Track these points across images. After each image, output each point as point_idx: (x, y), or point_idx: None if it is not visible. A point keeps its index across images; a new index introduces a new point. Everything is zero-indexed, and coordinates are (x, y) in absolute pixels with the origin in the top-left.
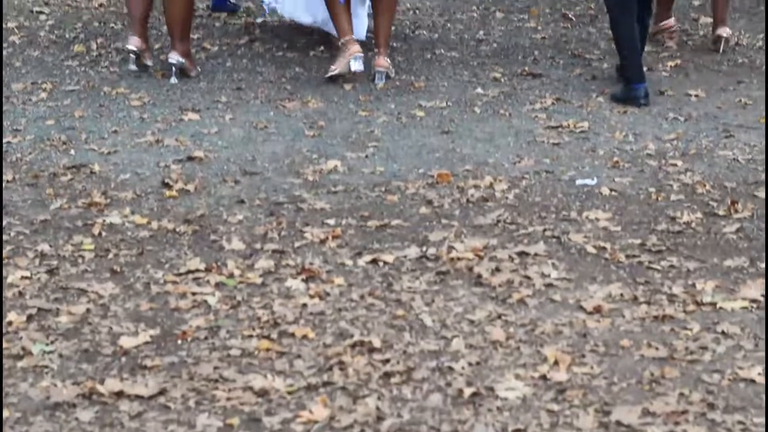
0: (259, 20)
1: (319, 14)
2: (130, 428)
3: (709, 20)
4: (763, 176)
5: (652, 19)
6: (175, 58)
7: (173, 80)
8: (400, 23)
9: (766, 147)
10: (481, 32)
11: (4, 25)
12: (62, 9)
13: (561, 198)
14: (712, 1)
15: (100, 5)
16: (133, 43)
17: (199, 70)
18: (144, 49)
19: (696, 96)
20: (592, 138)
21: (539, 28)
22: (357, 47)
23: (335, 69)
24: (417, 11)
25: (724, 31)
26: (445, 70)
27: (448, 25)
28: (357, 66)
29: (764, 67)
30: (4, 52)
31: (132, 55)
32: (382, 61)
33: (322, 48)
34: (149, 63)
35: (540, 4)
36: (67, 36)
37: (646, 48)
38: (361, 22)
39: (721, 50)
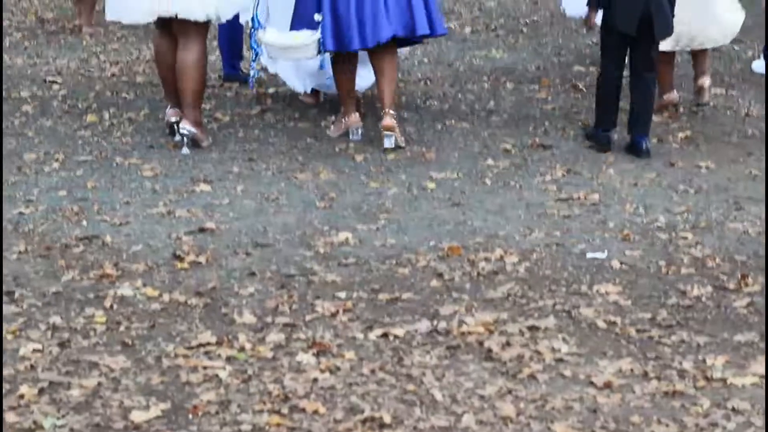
0: (251, 89)
1: (308, 82)
2: None
3: (720, 90)
4: None
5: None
6: (186, 128)
7: (185, 150)
8: (411, 93)
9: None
10: (492, 103)
11: (17, 95)
12: (75, 78)
13: (571, 271)
14: (692, 55)
15: (113, 75)
16: (175, 115)
17: (211, 140)
18: (182, 117)
19: (706, 168)
20: (602, 210)
21: (549, 98)
22: (356, 118)
23: (334, 133)
24: (428, 81)
25: (705, 82)
26: (456, 141)
27: (459, 95)
28: (355, 138)
29: None
30: (17, 122)
31: (175, 126)
32: (389, 122)
33: (333, 118)
34: (186, 131)
35: (550, 74)
36: (79, 106)
37: (656, 119)
38: (363, 78)
39: (704, 100)
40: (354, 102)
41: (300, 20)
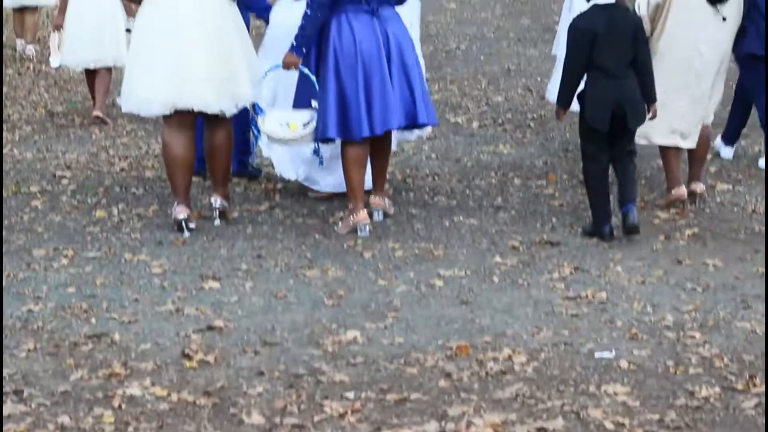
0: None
1: (301, 170)
2: None
3: (726, 186)
4: None
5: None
6: (218, 201)
7: (216, 222)
8: (419, 189)
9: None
10: (500, 198)
11: (27, 190)
12: (84, 173)
13: (580, 371)
14: (688, 156)
15: (122, 170)
16: (183, 212)
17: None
18: (190, 215)
19: (714, 266)
20: (610, 309)
21: (557, 194)
22: (364, 215)
23: (342, 230)
24: (436, 177)
25: (698, 187)
26: (464, 237)
27: (467, 191)
28: (363, 234)
29: None
30: (26, 217)
31: (183, 223)
32: (378, 201)
33: (341, 215)
34: (193, 226)
35: (557, 170)
36: (89, 201)
37: (663, 216)
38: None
39: (696, 204)
40: (363, 197)
41: (300, 100)
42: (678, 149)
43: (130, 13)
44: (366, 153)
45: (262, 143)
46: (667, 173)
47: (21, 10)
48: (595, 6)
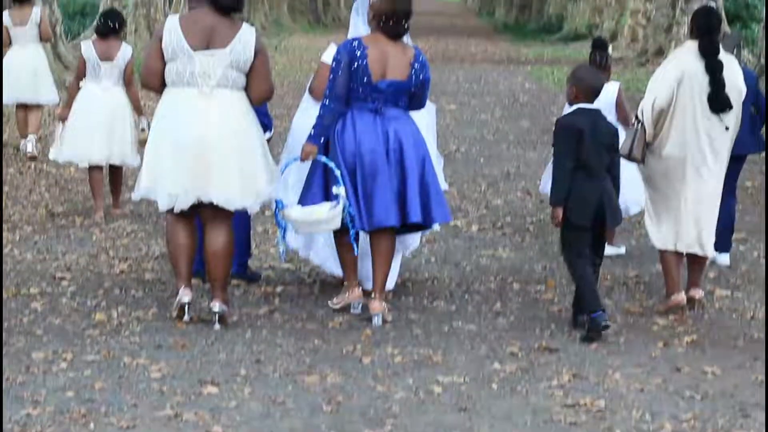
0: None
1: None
2: None
3: (725, 292)
4: None
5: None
6: (218, 306)
7: (216, 327)
8: (418, 294)
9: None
10: (499, 304)
11: (27, 291)
12: (84, 275)
13: None
14: (687, 262)
15: (122, 272)
16: (187, 295)
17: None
18: (194, 298)
19: (712, 373)
20: (608, 417)
21: (556, 299)
22: (358, 293)
23: (337, 304)
24: (435, 281)
25: (697, 293)
26: (462, 343)
27: (466, 296)
28: (356, 311)
29: None
30: (26, 319)
31: (186, 308)
32: (376, 305)
33: (341, 320)
34: (193, 315)
35: (556, 274)
36: (88, 303)
37: (662, 322)
38: (365, 266)
39: (695, 310)
40: (356, 277)
41: (313, 195)
42: (678, 254)
43: (138, 111)
44: (356, 234)
45: (296, 243)
46: (666, 279)
47: (24, 108)
48: (580, 108)
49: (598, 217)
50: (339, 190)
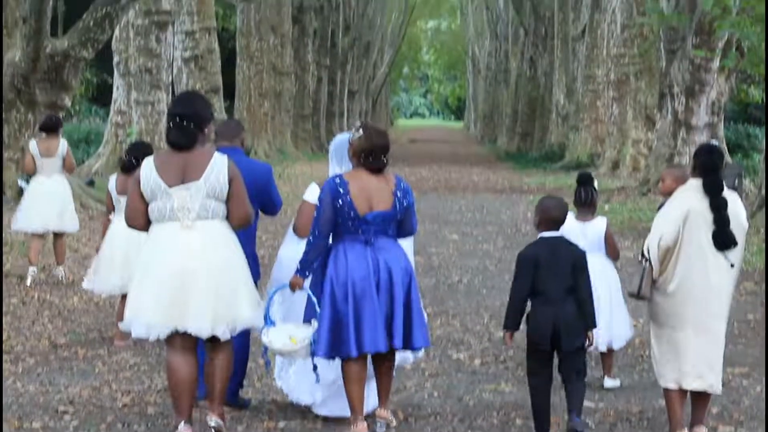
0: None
1: (318, 395)
2: None
3: (728, 428)
4: None
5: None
6: (213, 420)
7: None
8: (420, 429)
9: None
10: None
11: (29, 425)
12: (87, 408)
13: None
14: (691, 399)
15: (124, 405)
16: (188, 431)
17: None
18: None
19: None
20: None
21: None
22: (362, 427)
23: None
24: (437, 417)
25: (700, 431)
26: None
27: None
28: None
29: None
30: None
31: None
32: (382, 413)
33: None
34: None
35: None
36: None
37: None
38: (370, 394)
39: None
40: (361, 411)
41: (307, 315)
42: (682, 392)
43: None
44: (362, 370)
45: (275, 374)
46: (669, 416)
47: (41, 237)
48: (542, 238)
49: (554, 340)
50: (315, 323)
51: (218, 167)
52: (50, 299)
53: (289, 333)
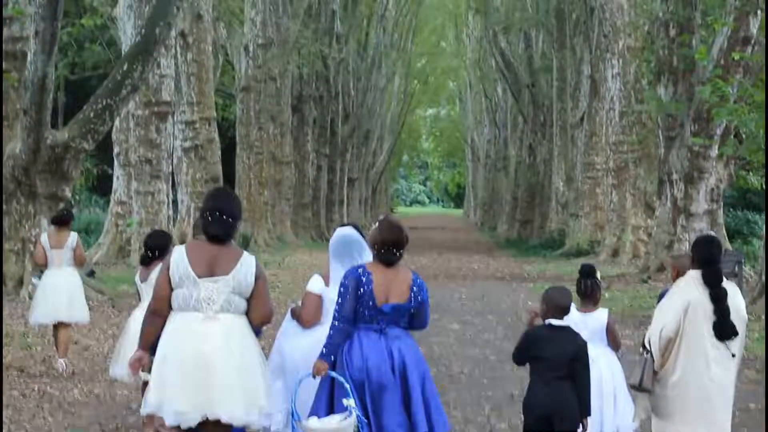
0: None
1: None
2: None
3: None
4: None
5: None
6: None
7: None
8: None
9: None
10: None
11: None
12: None
13: None
14: None
15: None
16: None
17: None
18: None
19: None
20: None
21: None
22: None
23: None
24: None
25: None
26: None
27: None
28: None
29: None
30: None
31: None
32: None
33: None
34: None
35: None
36: None
37: None
38: None
39: None
40: None
41: (318, 408)
42: None
43: None
44: None
45: None
46: None
47: (56, 326)
48: (549, 324)
49: (547, 421)
50: (349, 402)
51: (247, 265)
52: (50, 391)
53: (324, 422)
